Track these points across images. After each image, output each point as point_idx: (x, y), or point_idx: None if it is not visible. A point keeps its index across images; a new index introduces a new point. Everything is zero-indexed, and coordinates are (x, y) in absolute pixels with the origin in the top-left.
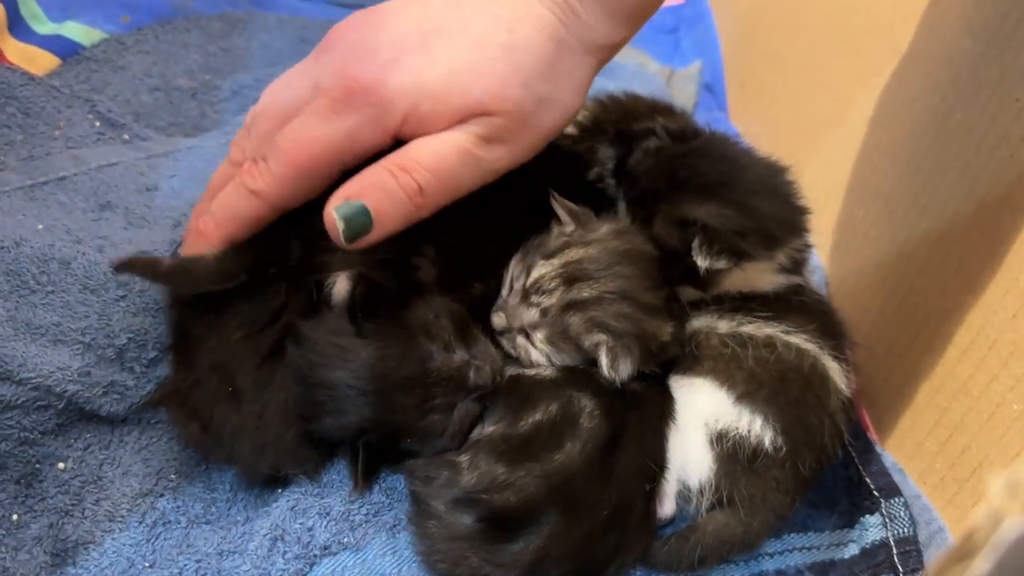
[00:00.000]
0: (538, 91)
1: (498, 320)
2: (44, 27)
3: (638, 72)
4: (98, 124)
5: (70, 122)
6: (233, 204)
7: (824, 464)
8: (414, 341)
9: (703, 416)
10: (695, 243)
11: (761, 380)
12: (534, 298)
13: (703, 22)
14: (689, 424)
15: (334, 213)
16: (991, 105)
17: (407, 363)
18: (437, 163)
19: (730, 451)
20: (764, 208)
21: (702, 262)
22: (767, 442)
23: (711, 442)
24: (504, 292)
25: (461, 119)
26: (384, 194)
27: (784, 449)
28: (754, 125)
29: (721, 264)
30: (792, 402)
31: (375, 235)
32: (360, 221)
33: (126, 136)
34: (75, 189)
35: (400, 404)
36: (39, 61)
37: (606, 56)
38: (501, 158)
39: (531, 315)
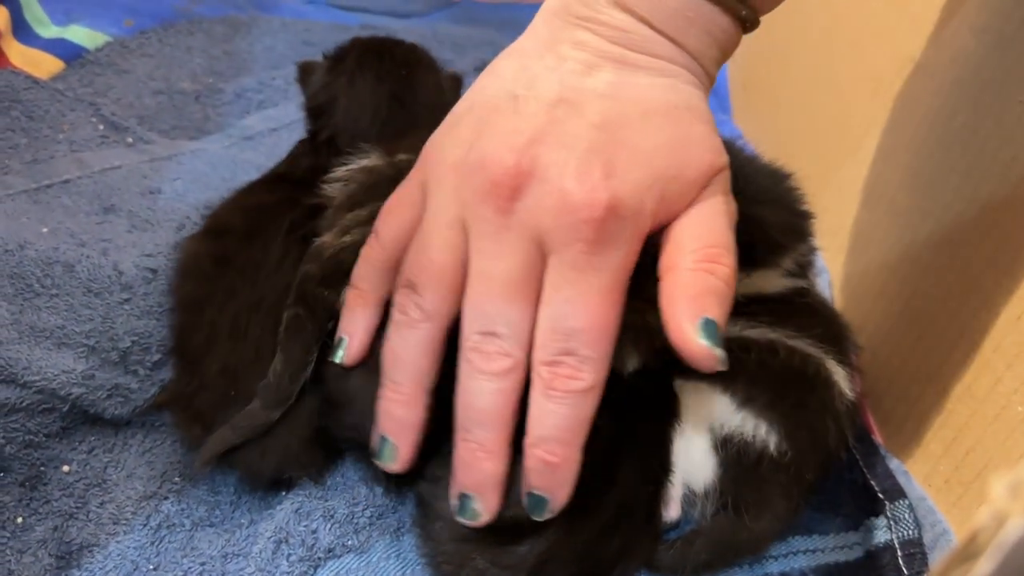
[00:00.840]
0: (719, 132)
1: None
2: (48, 31)
3: None
4: (102, 127)
5: (74, 125)
6: (572, 415)
7: (828, 468)
8: None
9: (707, 421)
10: None
11: (764, 385)
12: None
13: None
14: (693, 428)
15: (703, 342)
16: (995, 107)
17: None
18: (724, 238)
19: (734, 456)
20: (769, 217)
21: None
22: (771, 447)
23: (715, 447)
24: None
25: (702, 186)
26: (715, 297)
27: (788, 454)
28: (757, 127)
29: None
30: (796, 407)
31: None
32: (717, 334)
33: (129, 139)
34: (79, 192)
35: None
36: (43, 65)
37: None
38: (734, 206)
39: None
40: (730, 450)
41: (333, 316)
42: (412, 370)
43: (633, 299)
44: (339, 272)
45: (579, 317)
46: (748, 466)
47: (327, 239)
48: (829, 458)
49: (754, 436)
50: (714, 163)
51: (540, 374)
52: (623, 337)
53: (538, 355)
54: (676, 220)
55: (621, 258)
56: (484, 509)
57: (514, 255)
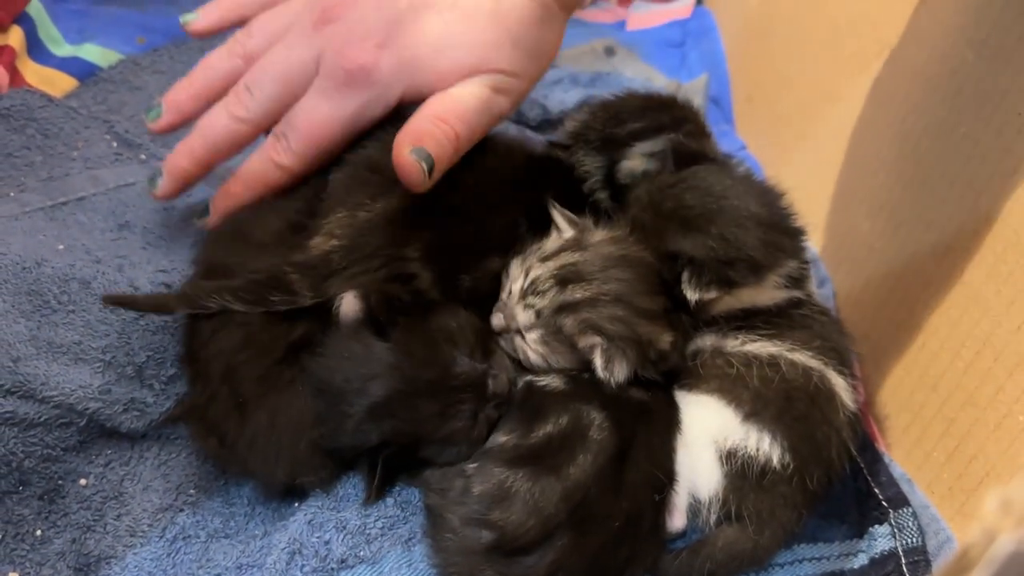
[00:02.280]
0: (528, 47)
1: (497, 321)
2: (62, 49)
3: (645, 87)
4: (115, 144)
5: (88, 143)
6: (260, 172)
7: (832, 478)
8: (439, 346)
9: (711, 434)
10: (684, 276)
11: (767, 399)
12: (529, 299)
13: (709, 36)
14: (698, 441)
15: (412, 156)
16: (995, 119)
17: (432, 367)
18: (465, 112)
19: (739, 469)
20: (747, 238)
21: (692, 294)
22: (775, 460)
23: (720, 460)
24: (503, 294)
25: (457, 79)
26: (433, 139)
27: (792, 466)
28: (761, 138)
29: (711, 295)
30: (799, 419)
31: (435, 177)
32: (429, 163)
33: (143, 156)
34: (94, 209)
35: (424, 412)
36: (57, 83)
37: (573, 9)
38: (504, 104)
39: (526, 316)
40: (735, 464)
41: (302, 316)
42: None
43: (624, 311)
44: (323, 269)
45: (303, 120)
46: (752, 478)
47: (318, 240)
48: (831, 468)
49: (758, 449)
50: (479, 65)
51: (267, 139)
52: (611, 345)
53: (273, 128)
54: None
55: (355, 107)
56: (160, 186)
57: (300, 57)
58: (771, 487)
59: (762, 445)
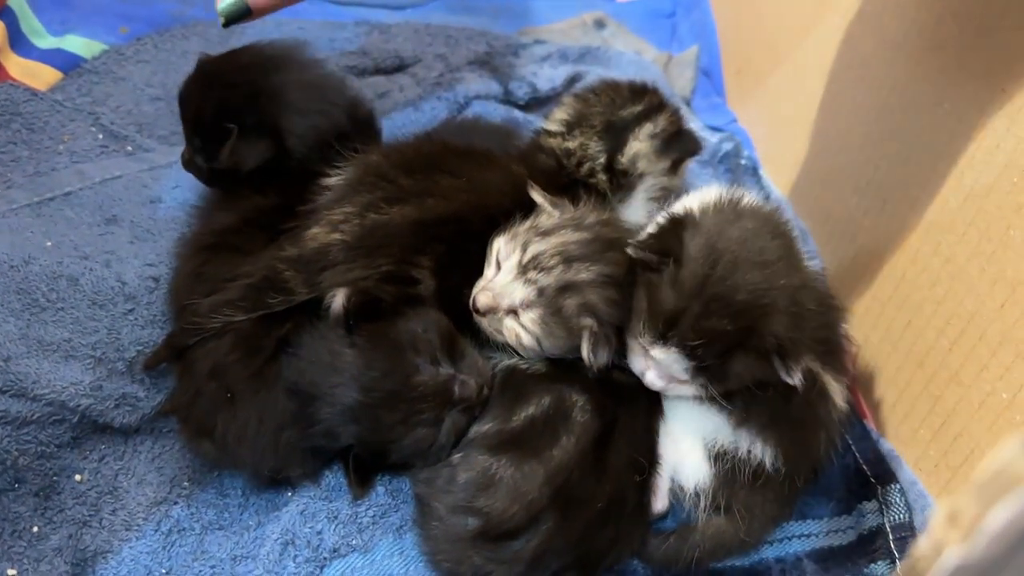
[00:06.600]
0: None
1: (484, 299)
2: (45, 41)
3: (635, 60)
4: (101, 137)
5: (74, 136)
6: None
7: (819, 473)
8: (401, 355)
9: (702, 433)
10: (776, 360)
11: (762, 406)
12: (531, 275)
13: (700, 7)
14: (686, 436)
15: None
16: (979, 95)
17: (392, 377)
18: None
19: (729, 470)
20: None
21: (793, 379)
22: (768, 464)
23: (710, 458)
24: (489, 272)
25: None
26: None
27: (783, 470)
28: (750, 112)
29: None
30: (792, 424)
31: None
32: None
33: (129, 148)
34: (81, 204)
35: (386, 421)
36: (41, 76)
37: None
38: None
39: (525, 293)
40: (724, 465)
41: (291, 311)
42: None
43: (618, 294)
44: (318, 263)
45: None
46: (743, 479)
47: (316, 231)
48: (820, 464)
49: (749, 452)
50: None
51: None
52: (600, 330)
53: None
54: None
55: None
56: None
57: None
58: (762, 487)
59: (754, 450)
